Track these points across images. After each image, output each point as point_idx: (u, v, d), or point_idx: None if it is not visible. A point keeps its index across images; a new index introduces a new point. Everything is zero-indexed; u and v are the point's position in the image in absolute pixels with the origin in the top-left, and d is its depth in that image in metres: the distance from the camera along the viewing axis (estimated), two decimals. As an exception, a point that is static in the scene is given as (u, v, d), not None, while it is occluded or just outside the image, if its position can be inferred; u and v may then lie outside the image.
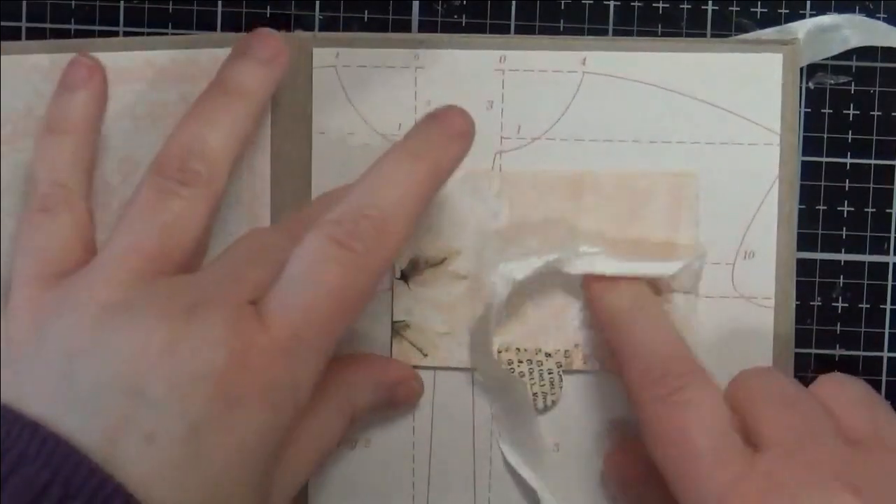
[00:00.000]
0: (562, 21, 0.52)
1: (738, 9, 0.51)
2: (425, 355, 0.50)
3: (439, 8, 0.52)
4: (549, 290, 0.49)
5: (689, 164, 0.49)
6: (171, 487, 0.38)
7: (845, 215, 0.51)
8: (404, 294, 0.50)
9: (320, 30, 0.52)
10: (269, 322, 0.41)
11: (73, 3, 0.52)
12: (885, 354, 0.51)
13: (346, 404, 0.46)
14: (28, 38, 0.52)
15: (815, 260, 0.51)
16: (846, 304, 0.51)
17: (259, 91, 0.47)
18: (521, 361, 0.49)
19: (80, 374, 0.39)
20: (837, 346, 0.50)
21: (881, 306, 0.51)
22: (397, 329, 0.50)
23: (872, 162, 0.51)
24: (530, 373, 0.49)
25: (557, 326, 0.50)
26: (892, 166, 0.51)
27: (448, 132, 0.44)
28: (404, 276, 0.50)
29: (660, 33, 0.51)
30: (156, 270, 0.42)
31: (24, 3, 0.52)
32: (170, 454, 0.38)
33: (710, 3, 0.51)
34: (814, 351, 0.50)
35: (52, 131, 0.47)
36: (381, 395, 0.48)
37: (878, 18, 0.51)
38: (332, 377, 0.45)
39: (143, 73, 0.50)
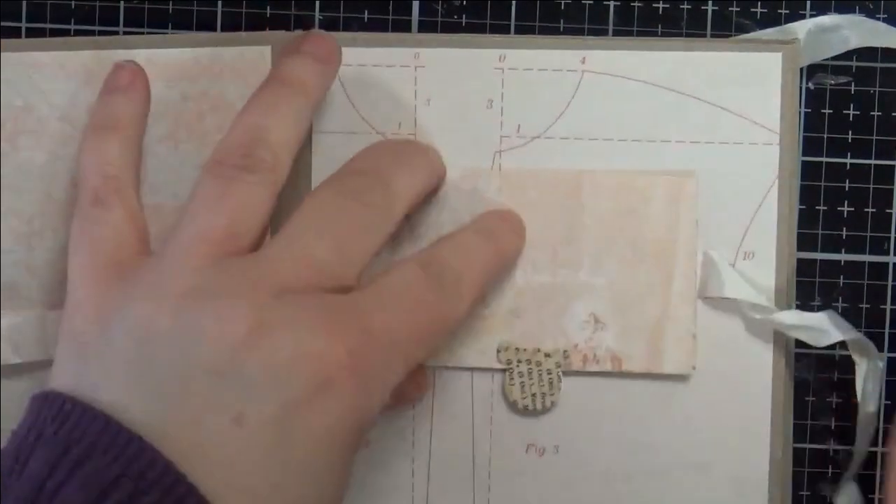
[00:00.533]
0: (562, 21, 0.52)
1: (738, 9, 0.51)
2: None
3: (439, 8, 0.52)
4: (549, 290, 0.49)
5: (688, 164, 0.49)
6: (257, 471, 0.38)
7: (845, 215, 0.51)
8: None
9: (320, 29, 0.52)
10: (366, 313, 0.41)
11: (72, 3, 0.52)
12: (885, 354, 0.51)
13: None
14: (28, 38, 0.52)
15: (815, 260, 0.51)
16: (846, 304, 0.51)
17: (316, 87, 0.47)
18: (520, 361, 0.49)
19: (159, 360, 0.39)
20: (837, 346, 0.50)
21: (881, 306, 0.51)
22: None
23: (872, 162, 0.51)
24: (529, 373, 0.49)
25: (557, 326, 0.49)
26: (892, 166, 0.51)
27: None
28: None
29: (660, 33, 0.51)
30: (226, 253, 0.42)
31: (24, 3, 0.52)
32: (259, 436, 0.38)
33: (710, 3, 0.51)
34: (814, 351, 0.50)
35: (100, 128, 0.47)
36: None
37: (878, 18, 0.51)
38: None
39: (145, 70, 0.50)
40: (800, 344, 0.50)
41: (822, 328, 0.48)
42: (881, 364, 0.49)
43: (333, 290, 0.42)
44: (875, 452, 0.51)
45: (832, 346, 0.49)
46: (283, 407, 0.38)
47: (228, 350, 0.38)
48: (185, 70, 0.50)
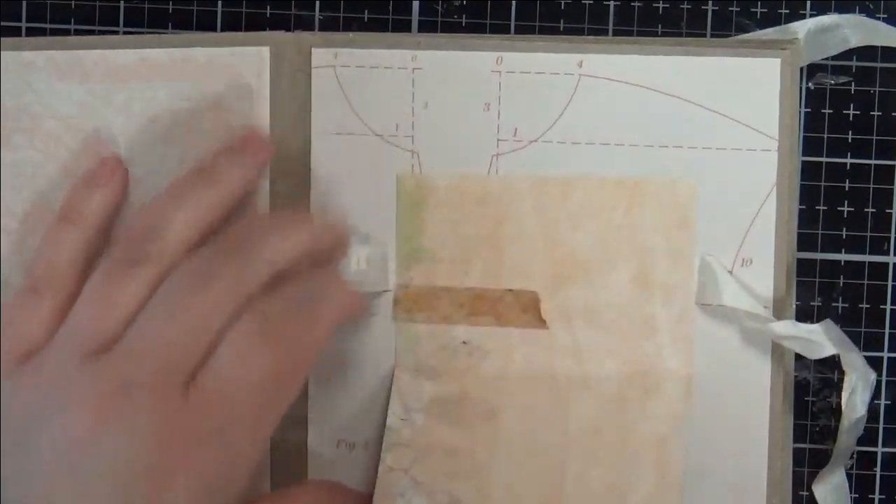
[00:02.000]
0: (561, 21, 0.52)
1: (738, 9, 0.51)
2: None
3: (439, 8, 0.52)
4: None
5: (686, 170, 0.49)
6: None
7: (845, 215, 0.51)
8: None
9: (320, 30, 0.52)
10: (199, 405, 0.42)
11: (73, 3, 0.52)
12: (885, 354, 0.51)
13: None
14: (26, 38, 0.52)
15: (815, 260, 0.51)
16: (846, 305, 0.51)
17: (233, 185, 0.47)
18: None
19: (20, 452, 0.41)
20: (837, 346, 0.50)
21: (881, 306, 0.51)
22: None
23: (872, 162, 0.51)
24: None
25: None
26: (892, 166, 0.51)
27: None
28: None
29: (660, 33, 0.51)
30: (98, 349, 0.43)
31: (24, 3, 0.52)
32: None
33: (710, 3, 0.51)
34: (814, 352, 0.50)
35: (64, 220, 0.48)
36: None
37: (878, 18, 0.51)
38: None
39: (138, 70, 0.50)
40: (800, 344, 0.50)
41: (816, 341, 0.48)
42: (872, 377, 0.49)
43: (178, 381, 0.42)
44: (875, 452, 0.51)
45: (833, 346, 0.49)
46: (121, 497, 0.40)
47: (68, 447, 0.40)
48: (180, 69, 0.50)
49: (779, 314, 0.49)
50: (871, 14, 0.51)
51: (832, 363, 0.51)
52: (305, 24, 0.52)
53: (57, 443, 0.40)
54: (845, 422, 0.49)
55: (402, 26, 0.52)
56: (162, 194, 0.46)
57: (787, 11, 0.51)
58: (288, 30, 0.51)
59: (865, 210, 0.51)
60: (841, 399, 0.50)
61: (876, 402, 0.51)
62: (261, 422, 0.43)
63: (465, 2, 0.52)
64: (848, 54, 0.51)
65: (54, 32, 0.52)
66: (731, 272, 0.49)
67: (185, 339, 0.43)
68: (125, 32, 0.52)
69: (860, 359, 0.49)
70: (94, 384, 0.41)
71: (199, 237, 0.46)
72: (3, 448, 0.41)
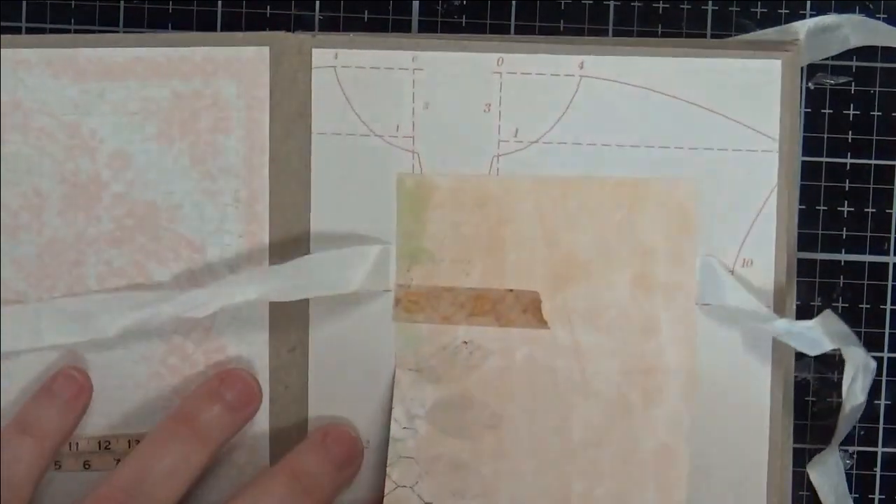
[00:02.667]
0: (562, 21, 0.52)
1: (738, 9, 0.51)
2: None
3: (439, 8, 0.52)
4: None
5: (686, 171, 0.49)
6: None
7: (845, 215, 0.51)
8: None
9: (320, 30, 0.52)
10: None
11: (73, 3, 0.52)
12: (885, 354, 0.51)
13: None
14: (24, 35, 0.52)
15: (815, 260, 0.51)
16: (846, 304, 0.51)
17: (219, 437, 0.48)
18: None
19: None
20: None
21: (881, 306, 0.51)
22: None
23: (872, 162, 0.51)
24: None
25: None
26: (892, 166, 0.51)
27: None
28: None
29: (660, 33, 0.51)
30: None
31: (24, 3, 0.52)
32: None
33: (710, 3, 0.51)
34: (814, 352, 0.50)
35: (20, 430, 0.48)
36: None
37: (878, 18, 0.51)
38: None
39: (134, 69, 0.50)
40: (801, 344, 0.50)
41: (814, 337, 0.48)
42: (872, 366, 0.49)
43: None
44: (875, 452, 0.51)
45: (832, 346, 0.49)
46: None
47: None
48: (176, 68, 0.50)
49: (779, 314, 0.49)
50: (871, 14, 0.51)
51: (832, 363, 0.51)
52: (305, 24, 0.52)
53: None
54: (846, 407, 0.49)
55: (402, 26, 0.52)
56: (145, 443, 0.48)
57: (787, 11, 0.51)
58: (288, 30, 0.51)
59: (865, 210, 0.51)
60: (840, 399, 0.50)
61: (876, 402, 0.51)
62: None
63: (465, 2, 0.52)
64: (848, 54, 0.51)
65: (54, 32, 0.52)
66: (732, 272, 0.49)
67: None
68: (125, 32, 0.52)
69: (860, 351, 0.48)
70: None
71: (181, 489, 0.47)
72: None
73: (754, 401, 0.49)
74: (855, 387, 0.49)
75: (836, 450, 0.51)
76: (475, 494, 0.50)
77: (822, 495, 0.51)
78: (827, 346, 0.47)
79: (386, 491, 0.49)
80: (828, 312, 0.47)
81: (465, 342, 0.50)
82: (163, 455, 0.47)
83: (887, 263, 0.51)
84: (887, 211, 0.51)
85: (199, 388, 0.49)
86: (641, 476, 0.49)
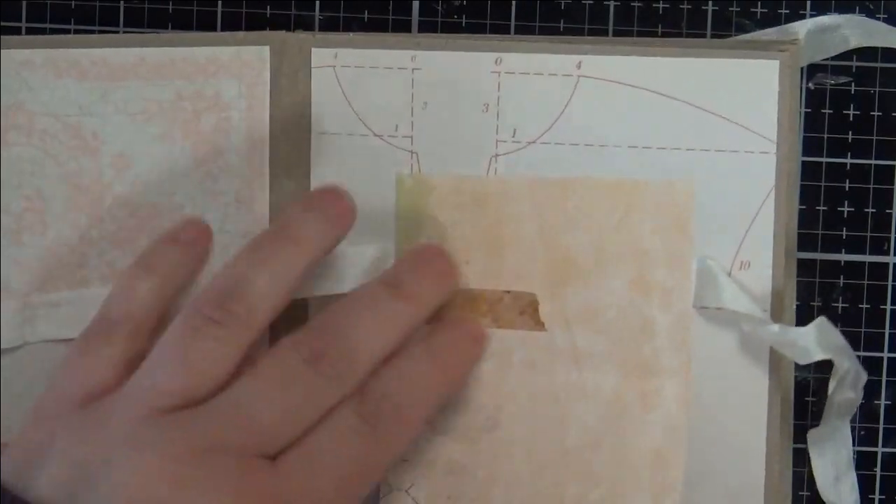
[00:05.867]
0: (561, 21, 0.52)
1: (738, 9, 0.51)
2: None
3: (439, 8, 0.52)
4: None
5: (684, 172, 0.49)
6: None
7: (845, 216, 0.51)
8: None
9: (320, 30, 0.52)
10: (283, 478, 0.41)
11: (73, 3, 0.52)
12: (885, 355, 0.51)
13: None
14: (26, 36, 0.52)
15: (815, 260, 0.51)
16: (846, 305, 0.51)
17: (318, 247, 0.46)
18: None
19: (85, 495, 0.40)
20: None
21: (881, 307, 0.51)
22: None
23: (872, 162, 0.51)
24: None
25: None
26: (892, 166, 0.51)
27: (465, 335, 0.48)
28: None
29: (660, 34, 0.51)
30: (175, 406, 0.42)
31: (24, 3, 0.52)
32: None
33: (710, 3, 0.51)
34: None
35: (141, 267, 0.48)
36: None
37: (878, 18, 0.51)
38: None
39: (136, 69, 0.50)
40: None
41: (805, 346, 0.47)
42: (863, 377, 0.49)
43: (264, 454, 0.42)
44: (875, 452, 0.51)
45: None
46: None
47: (141, 501, 0.40)
48: (179, 69, 0.50)
49: (777, 317, 0.49)
50: (871, 14, 0.51)
51: (832, 364, 0.51)
52: (305, 24, 0.52)
53: (125, 498, 0.40)
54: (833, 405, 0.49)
55: (402, 26, 0.52)
56: (243, 252, 0.46)
57: (787, 11, 0.51)
58: (288, 30, 0.51)
59: (865, 210, 0.51)
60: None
61: (876, 402, 0.51)
62: None
63: (465, 2, 0.52)
64: (848, 54, 0.51)
65: (54, 32, 0.52)
66: (729, 275, 0.49)
67: (287, 413, 0.42)
68: (125, 32, 0.52)
69: (850, 363, 0.48)
70: (173, 442, 0.41)
71: (282, 299, 0.45)
72: (64, 497, 0.40)
73: (752, 403, 0.49)
74: (839, 393, 0.49)
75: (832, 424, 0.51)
76: (471, 498, 0.50)
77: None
78: (817, 355, 0.47)
79: (382, 494, 0.49)
80: (822, 320, 0.47)
81: None
82: (263, 264, 0.45)
83: (887, 263, 0.51)
84: (887, 211, 0.51)
85: (296, 203, 0.48)
86: (636, 480, 0.49)
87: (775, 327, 0.48)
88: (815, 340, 0.47)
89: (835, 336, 0.47)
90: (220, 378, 0.43)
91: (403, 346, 0.45)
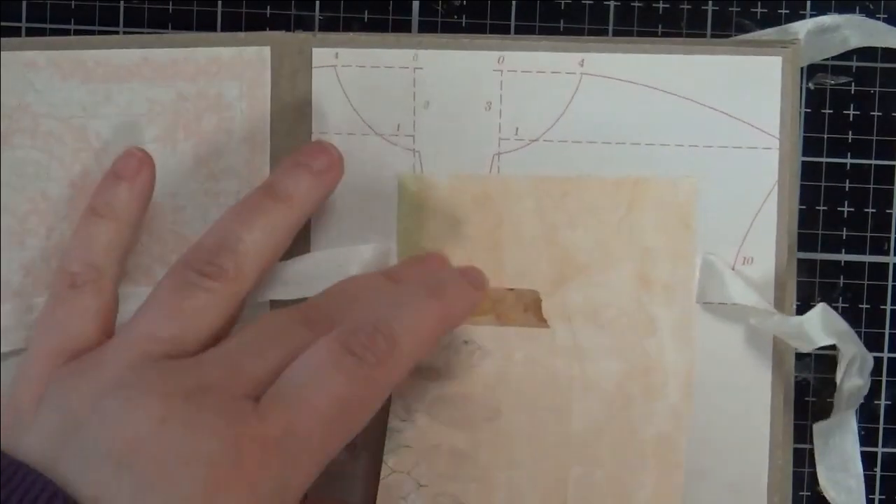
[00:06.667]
0: (562, 21, 0.52)
1: (739, 9, 0.51)
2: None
3: (439, 8, 0.52)
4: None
5: (687, 168, 0.49)
6: None
7: (845, 216, 0.51)
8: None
9: (320, 30, 0.52)
10: (265, 416, 0.41)
11: (73, 3, 0.52)
12: (885, 355, 0.51)
13: None
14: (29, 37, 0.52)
15: (815, 260, 0.51)
16: (846, 305, 0.51)
17: (306, 201, 0.47)
18: None
19: (73, 441, 0.40)
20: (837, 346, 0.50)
21: (881, 307, 0.51)
22: None
23: (872, 162, 0.51)
24: None
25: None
26: (892, 166, 0.51)
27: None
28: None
29: (660, 33, 0.51)
30: (166, 353, 0.43)
31: (24, 4, 0.52)
32: None
33: (710, 3, 0.51)
34: (814, 351, 0.50)
35: (94, 214, 0.48)
36: None
37: (878, 18, 0.51)
38: None
39: (140, 70, 0.50)
40: (801, 343, 0.50)
41: (809, 333, 0.47)
42: (869, 359, 0.49)
43: (257, 384, 0.42)
44: (875, 452, 0.51)
45: (833, 347, 0.49)
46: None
47: (128, 441, 0.40)
48: (181, 70, 0.50)
49: (780, 312, 0.49)
50: (871, 14, 0.51)
51: (833, 364, 0.51)
52: (305, 24, 0.52)
53: (117, 440, 0.40)
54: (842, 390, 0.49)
55: (402, 26, 0.52)
56: (229, 212, 0.47)
57: (787, 11, 0.51)
58: (288, 30, 0.51)
59: (865, 210, 0.51)
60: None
61: (876, 402, 0.51)
62: (325, 444, 0.42)
63: (465, 2, 0.52)
64: (848, 54, 0.51)
65: (54, 32, 0.52)
66: (732, 270, 0.49)
67: (268, 377, 0.42)
68: (125, 32, 0.52)
69: (855, 346, 0.48)
70: (160, 383, 0.41)
71: (269, 255, 0.46)
72: (53, 447, 0.40)
73: (754, 400, 0.49)
74: (848, 380, 0.49)
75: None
76: (472, 478, 0.50)
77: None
78: (823, 341, 0.47)
79: (382, 476, 0.49)
80: (823, 306, 0.47)
81: (466, 342, 0.50)
82: (252, 221, 0.46)
83: (887, 263, 0.51)
84: (887, 211, 0.51)
85: (284, 159, 0.48)
86: (641, 461, 0.49)
87: (780, 317, 0.48)
88: (820, 326, 0.47)
89: (838, 321, 0.48)
90: (210, 329, 0.44)
91: (399, 282, 0.46)
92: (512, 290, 0.50)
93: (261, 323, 0.45)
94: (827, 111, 0.51)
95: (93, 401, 0.41)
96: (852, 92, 0.51)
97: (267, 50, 0.50)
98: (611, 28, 0.52)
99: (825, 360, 0.51)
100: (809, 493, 0.51)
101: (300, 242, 0.49)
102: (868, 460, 0.51)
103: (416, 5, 0.52)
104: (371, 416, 0.43)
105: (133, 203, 0.48)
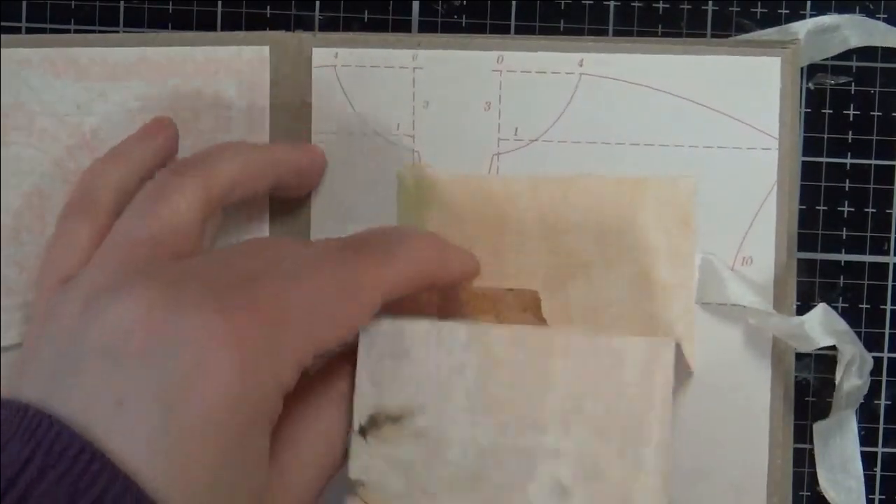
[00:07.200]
0: (562, 21, 0.52)
1: (739, 9, 0.51)
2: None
3: (439, 8, 0.52)
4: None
5: (686, 169, 0.49)
6: (142, 453, 0.37)
7: (845, 216, 0.51)
8: (362, 450, 0.44)
9: (320, 30, 0.52)
10: (253, 290, 0.40)
11: (73, 3, 0.52)
12: (885, 355, 0.51)
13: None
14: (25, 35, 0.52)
15: (815, 260, 0.51)
16: (846, 305, 0.51)
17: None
18: None
19: (67, 350, 0.40)
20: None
21: (881, 307, 0.51)
22: (353, 486, 0.45)
23: (872, 162, 0.51)
24: None
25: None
26: (892, 166, 0.51)
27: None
28: (363, 431, 0.44)
29: (660, 33, 0.51)
30: (148, 255, 0.43)
31: (24, 4, 0.52)
32: (138, 418, 0.38)
33: (710, 3, 0.51)
34: (814, 351, 0.50)
35: (111, 154, 0.48)
36: None
37: (878, 18, 0.51)
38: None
39: (137, 68, 0.50)
40: (801, 343, 0.50)
41: (809, 333, 0.47)
42: (869, 360, 0.49)
43: (242, 276, 0.42)
44: (875, 452, 0.51)
45: (833, 347, 0.49)
46: (159, 388, 0.38)
47: (119, 332, 0.39)
48: (178, 68, 0.50)
49: (779, 312, 0.49)
50: (871, 14, 0.51)
51: (832, 362, 0.51)
52: (305, 24, 0.52)
53: (105, 334, 0.39)
54: (842, 391, 0.49)
55: (402, 26, 0.52)
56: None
57: (787, 11, 0.51)
58: (288, 30, 0.51)
59: (865, 210, 0.51)
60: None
61: (876, 402, 0.51)
62: (315, 318, 0.42)
63: (465, 2, 0.52)
64: (848, 54, 0.51)
65: (54, 32, 0.52)
66: (731, 270, 0.49)
67: (253, 256, 0.43)
68: (125, 32, 0.52)
69: (855, 347, 0.48)
70: (146, 279, 0.40)
71: (242, 179, 0.46)
72: (49, 363, 0.40)
73: (754, 400, 0.49)
74: (847, 380, 0.49)
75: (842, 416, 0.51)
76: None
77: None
78: (823, 341, 0.47)
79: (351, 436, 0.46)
80: (823, 306, 0.47)
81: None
82: (226, 149, 0.47)
83: (887, 263, 0.51)
84: (887, 211, 0.51)
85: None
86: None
87: (780, 317, 0.48)
88: (820, 326, 0.47)
89: (837, 321, 0.48)
90: (187, 227, 0.44)
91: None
92: (512, 290, 0.50)
93: (256, 241, 0.46)
94: (827, 111, 0.51)
95: (81, 310, 0.40)
96: (852, 92, 0.51)
97: (266, 49, 0.50)
98: (611, 28, 0.52)
99: (825, 360, 0.51)
100: (809, 493, 0.51)
101: (300, 242, 0.49)
102: (868, 460, 0.51)
103: (416, 5, 0.52)
104: (366, 299, 0.43)
105: (150, 152, 0.48)
